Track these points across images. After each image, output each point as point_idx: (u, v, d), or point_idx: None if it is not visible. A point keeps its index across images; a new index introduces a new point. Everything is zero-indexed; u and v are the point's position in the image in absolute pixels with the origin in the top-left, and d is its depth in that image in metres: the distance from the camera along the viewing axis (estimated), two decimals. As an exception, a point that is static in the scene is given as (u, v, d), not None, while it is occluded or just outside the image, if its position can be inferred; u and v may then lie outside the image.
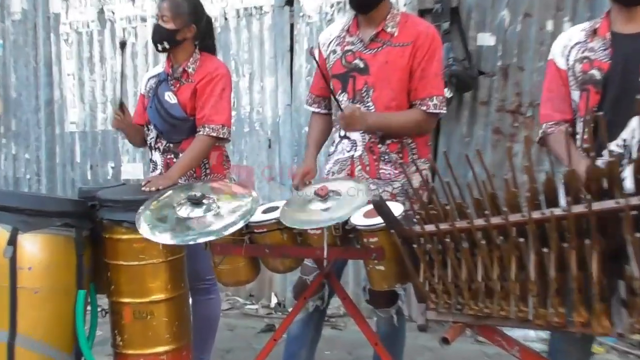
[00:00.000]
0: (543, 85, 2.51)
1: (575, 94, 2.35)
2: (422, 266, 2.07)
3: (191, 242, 2.39)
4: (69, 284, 2.66)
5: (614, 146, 2.20)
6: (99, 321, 2.90)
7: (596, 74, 2.27)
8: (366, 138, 2.73)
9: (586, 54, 2.32)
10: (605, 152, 2.08)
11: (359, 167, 2.74)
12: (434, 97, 2.69)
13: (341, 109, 2.59)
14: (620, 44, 2.26)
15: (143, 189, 2.88)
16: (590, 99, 2.27)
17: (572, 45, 2.38)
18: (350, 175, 2.76)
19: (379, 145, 2.72)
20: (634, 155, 1.93)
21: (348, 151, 2.78)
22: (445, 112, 2.77)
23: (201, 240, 2.38)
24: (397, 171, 2.72)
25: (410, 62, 2.68)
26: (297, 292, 2.78)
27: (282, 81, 4.84)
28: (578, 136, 2.35)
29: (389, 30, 2.71)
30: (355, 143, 2.75)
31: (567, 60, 2.38)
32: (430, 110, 2.69)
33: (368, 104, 2.71)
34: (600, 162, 1.85)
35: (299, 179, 2.76)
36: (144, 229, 2.44)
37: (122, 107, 3.13)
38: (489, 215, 1.88)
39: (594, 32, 2.34)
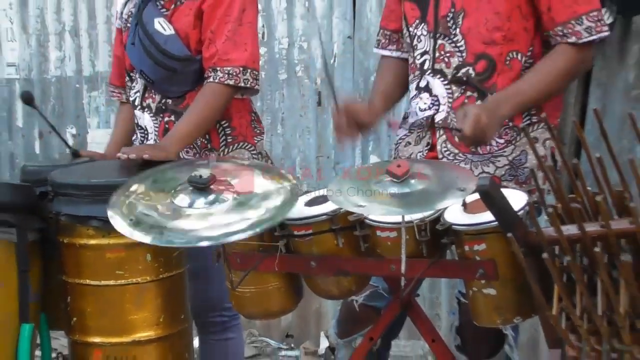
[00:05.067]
0: None
1: None
2: (557, 290, 2.08)
3: (195, 245, 2.42)
4: (7, 315, 2.74)
5: None
6: (55, 369, 2.99)
7: None
8: (454, 90, 2.76)
9: None
10: None
11: (444, 136, 2.78)
12: (583, 17, 2.65)
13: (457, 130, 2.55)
14: None
15: (119, 155, 2.94)
16: None
17: None
18: (431, 151, 2.80)
19: (478, 102, 2.73)
20: None
21: (423, 110, 2.81)
22: (607, 33, 2.72)
23: (195, 244, 2.40)
24: (503, 140, 2.73)
25: None
26: (344, 325, 2.88)
27: (339, 1, 4.86)
28: None
29: None
30: (438, 98, 2.78)
31: None
32: (583, 39, 2.65)
33: (456, 38, 2.73)
34: None
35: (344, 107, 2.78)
36: (122, 226, 2.45)
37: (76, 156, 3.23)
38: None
39: None
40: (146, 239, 2.41)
